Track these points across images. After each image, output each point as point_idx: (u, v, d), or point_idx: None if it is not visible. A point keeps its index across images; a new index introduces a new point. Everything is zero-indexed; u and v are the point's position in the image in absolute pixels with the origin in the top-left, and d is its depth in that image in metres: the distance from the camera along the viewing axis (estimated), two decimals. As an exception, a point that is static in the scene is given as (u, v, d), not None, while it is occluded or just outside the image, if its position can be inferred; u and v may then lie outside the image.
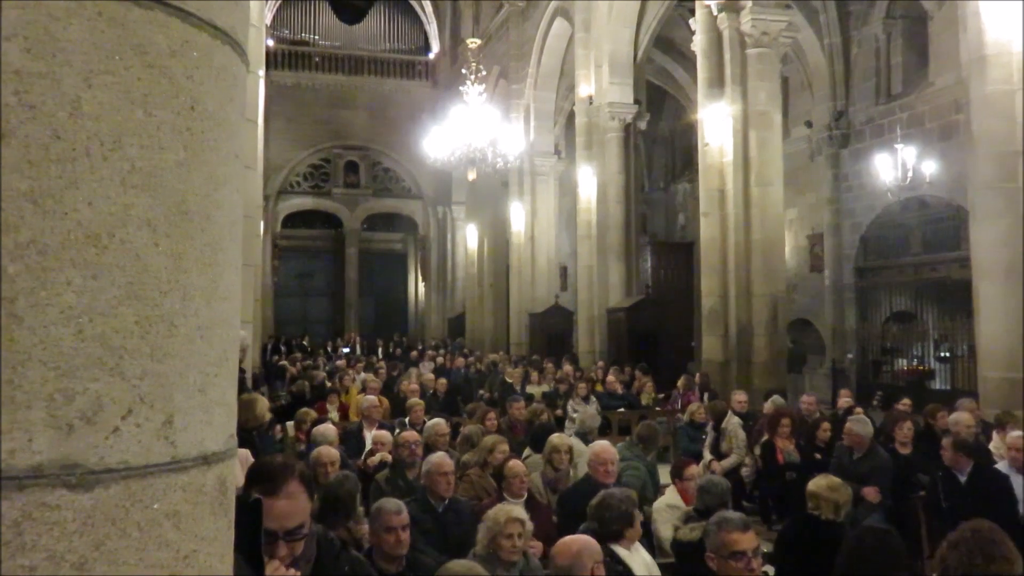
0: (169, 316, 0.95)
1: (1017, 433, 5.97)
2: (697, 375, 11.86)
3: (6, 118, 0.85)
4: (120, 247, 0.91)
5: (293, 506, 2.10)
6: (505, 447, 5.84)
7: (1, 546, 0.83)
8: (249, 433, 5.73)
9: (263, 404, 6.35)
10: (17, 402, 0.85)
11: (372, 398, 8.38)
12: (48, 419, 0.86)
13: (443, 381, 11.98)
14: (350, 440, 7.27)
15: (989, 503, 5.36)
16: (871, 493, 6.18)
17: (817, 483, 4.58)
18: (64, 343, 0.87)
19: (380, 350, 22.21)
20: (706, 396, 10.75)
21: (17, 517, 0.84)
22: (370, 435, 7.26)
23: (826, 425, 7.57)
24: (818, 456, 7.09)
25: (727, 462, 7.76)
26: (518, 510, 4.10)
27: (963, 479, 5.61)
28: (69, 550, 0.86)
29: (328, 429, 6.40)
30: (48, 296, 0.86)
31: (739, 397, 8.98)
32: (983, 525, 3.26)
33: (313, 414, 8.00)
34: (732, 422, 8.01)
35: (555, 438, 5.82)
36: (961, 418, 7.09)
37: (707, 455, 7.91)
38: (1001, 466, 5.91)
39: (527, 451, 6.57)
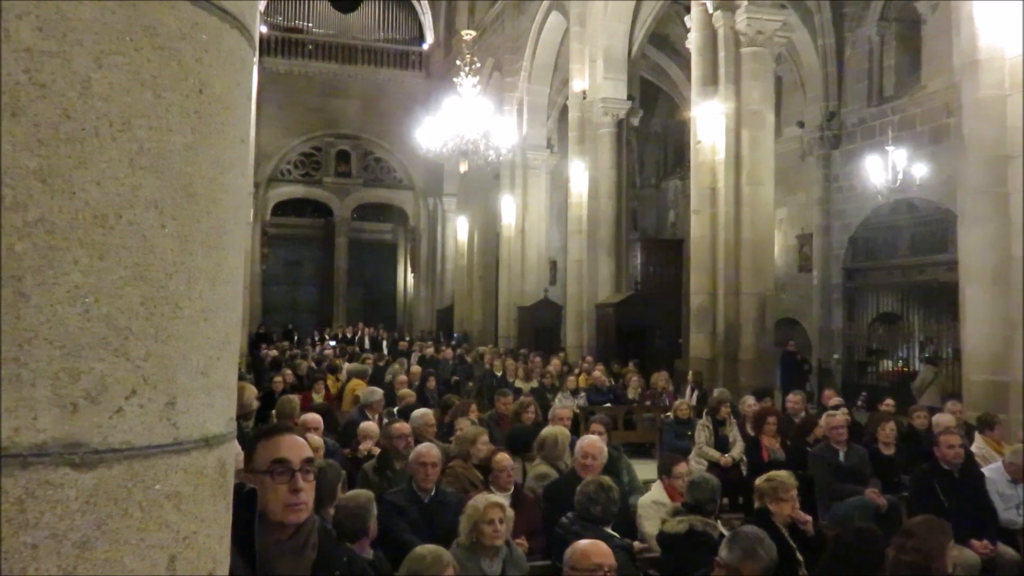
0: (174, 298, 0.96)
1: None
2: (689, 373, 11.91)
3: (17, 96, 0.85)
4: (127, 228, 0.91)
5: (300, 441, 2.18)
6: (486, 438, 5.85)
7: (4, 523, 0.83)
8: (236, 421, 5.71)
9: (251, 392, 6.35)
10: (23, 380, 0.85)
11: (376, 389, 8.34)
12: (53, 398, 0.86)
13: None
14: (352, 428, 7.22)
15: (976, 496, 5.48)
16: (874, 495, 6.13)
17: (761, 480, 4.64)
18: (70, 322, 0.87)
19: (385, 344, 21.87)
20: (695, 394, 10.79)
21: (20, 495, 0.84)
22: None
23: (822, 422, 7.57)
24: (809, 450, 7.10)
25: (735, 452, 7.74)
26: (497, 496, 4.15)
27: (956, 475, 5.68)
28: (71, 528, 0.86)
29: (314, 417, 6.38)
30: (55, 275, 0.87)
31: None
32: (932, 518, 3.51)
33: (296, 400, 7.96)
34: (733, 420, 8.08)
35: (557, 432, 5.90)
36: (943, 419, 7.15)
37: (699, 450, 7.89)
38: (990, 470, 5.97)
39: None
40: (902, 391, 12.41)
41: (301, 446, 2.15)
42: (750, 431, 7.73)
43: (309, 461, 2.13)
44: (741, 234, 11.79)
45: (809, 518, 4.56)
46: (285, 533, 2.07)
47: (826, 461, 6.47)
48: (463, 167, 18.64)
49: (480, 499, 4.04)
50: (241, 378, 8.55)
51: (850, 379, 15.76)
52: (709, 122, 12.13)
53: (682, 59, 17.45)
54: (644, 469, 7.02)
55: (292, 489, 2.05)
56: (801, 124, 16.97)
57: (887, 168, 13.94)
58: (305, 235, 30.84)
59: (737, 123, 11.88)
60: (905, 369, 14.99)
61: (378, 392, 8.10)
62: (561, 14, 18.75)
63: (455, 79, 17.48)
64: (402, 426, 5.79)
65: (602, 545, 3.41)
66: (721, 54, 12.03)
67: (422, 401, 9.06)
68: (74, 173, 0.88)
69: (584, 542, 3.46)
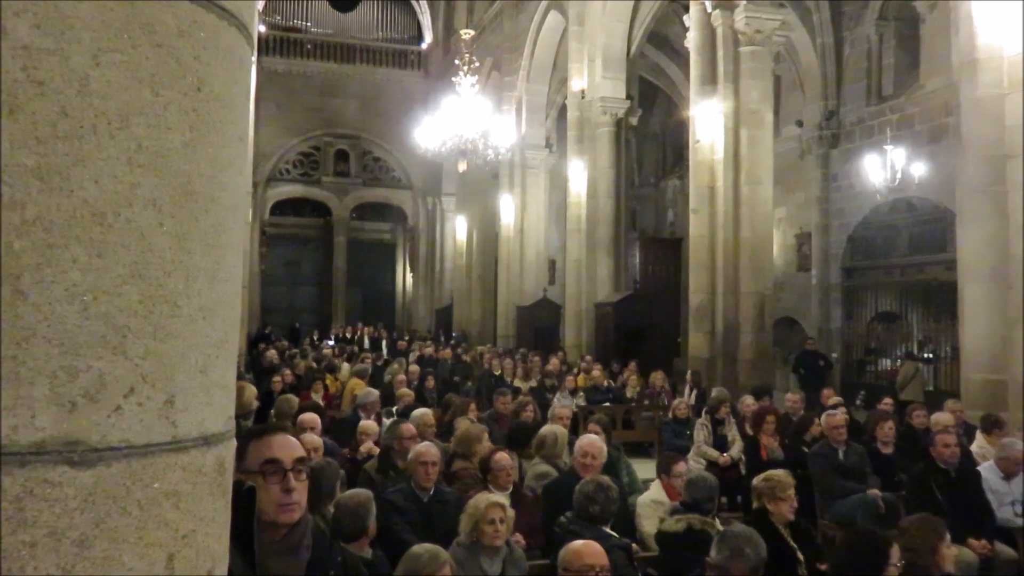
0: (172, 296, 0.96)
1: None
2: (688, 372, 11.91)
3: (15, 94, 0.85)
4: (125, 226, 0.91)
5: (293, 440, 2.16)
6: (486, 436, 5.87)
7: (2, 522, 0.83)
8: (235, 420, 5.70)
9: (251, 391, 6.35)
10: (21, 378, 0.85)
11: (372, 391, 8.34)
12: (51, 396, 0.86)
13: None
14: (346, 427, 7.22)
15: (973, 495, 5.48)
16: (877, 495, 6.13)
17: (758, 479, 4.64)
18: (68, 320, 0.87)
19: (384, 344, 21.80)
20: (694, 393, 10.79)
21: (19, 493, 0.84)
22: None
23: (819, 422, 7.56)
24: (806, 449, 7.10)
25: (734, 451, 7.74)
26: (498, 495, 4.15)
27: (953, 474, 5.68)
28: (70, 526, 0.86)
29: (312, 417, 6.38)
30: (53, 273, 0.87)
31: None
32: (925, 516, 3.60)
33: (295, 400, 7.96)
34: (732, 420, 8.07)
35: (556, 430, 5.90)
36: (941, 418, 7.16)
37: (697, 449, 7.89)
38: (984, 468, 5.98)
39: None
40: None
41: (293, 446, 2.13)
42: (749, 430, 7.74)
43: (301, 460, 2.11)
44: (740, 233, 11.80)
45: None
46: (278, 533, 2.07)
47: (826, 460, 6.47)
48: (462, 166, 18.63)
49: (481, 499, 4.02)
50: (241, 378, 8.54)
51: (849, 378, 15.77)
52: (708, 121, 12.14)
53: (681, 58, 17.44)
54: (643, 468, 7.03)
55: (284, 489, 2.03)
56: (800, 123, 16.96)
57: (886, 167, 13.93)
58: (304, 235, 30.83)
59: (736, 122, 11.89)
60: (904, 368, 15.01)
61: (374, 394, 8.11)
62: (560, 13, 18.74)
63: (454, 78, 17.47)
64: (410, 427, 5.80)
65: (595, 545, 3.42)
66: (720, 53, 12.04)
67: (421, 401, 9.06)
68: (72, 171, 0.88)
69: (577, 543, 3.47)
